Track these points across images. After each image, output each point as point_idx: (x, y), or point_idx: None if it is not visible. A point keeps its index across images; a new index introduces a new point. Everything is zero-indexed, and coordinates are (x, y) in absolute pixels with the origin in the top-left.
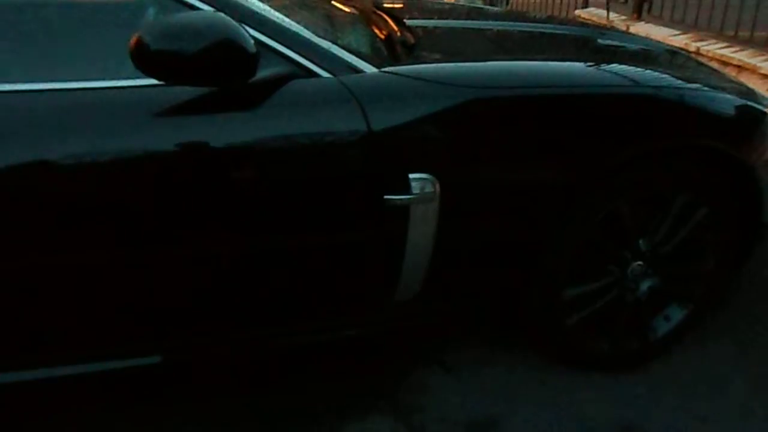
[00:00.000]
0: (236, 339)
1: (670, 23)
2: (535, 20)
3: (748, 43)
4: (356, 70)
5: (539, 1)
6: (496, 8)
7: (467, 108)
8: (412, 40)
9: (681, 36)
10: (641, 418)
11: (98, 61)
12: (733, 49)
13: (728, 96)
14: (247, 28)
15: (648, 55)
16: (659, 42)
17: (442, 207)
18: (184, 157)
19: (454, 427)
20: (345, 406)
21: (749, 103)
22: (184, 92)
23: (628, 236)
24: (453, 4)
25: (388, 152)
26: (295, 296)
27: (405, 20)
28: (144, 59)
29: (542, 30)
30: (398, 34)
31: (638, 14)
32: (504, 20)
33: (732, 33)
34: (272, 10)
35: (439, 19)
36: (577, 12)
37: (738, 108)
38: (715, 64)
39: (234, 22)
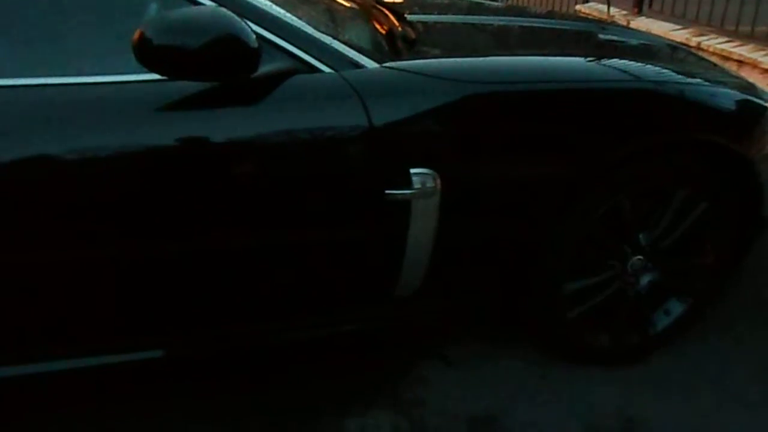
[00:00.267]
0: (237, 333)
1: (671, 18)
2: (535, 15)
3: (749, 37)
4: (357, 66)
5: None
6: (496, 3)
7: (468, 103)
8: (412, 35)
9: (682, 31)
10: (643, 412)
11: (101, 56)
12: (733, 44)
13: (729, 91)
14: (249, 23)
15: (649, 49)
16: (660, 37)
17: (443, 202)
18: (186, 151)
19: (454, 420)
20: (346, 401)
21: (750, 97)
22: (187, 87)
23: (628, 231)
24: None
25: (389, 147)
26: (296, 291)
27: (406, 15)
28: (147, 54)
29: (543, 25)
30: (399, 29)
31: (639, 9)
32: (505, 15)
33: (733, 28)
34: (274, 6)
35: (439, 14)
36: (578, 7)
37: (738, 103)
38: (715, 59)
39: (236, 18)
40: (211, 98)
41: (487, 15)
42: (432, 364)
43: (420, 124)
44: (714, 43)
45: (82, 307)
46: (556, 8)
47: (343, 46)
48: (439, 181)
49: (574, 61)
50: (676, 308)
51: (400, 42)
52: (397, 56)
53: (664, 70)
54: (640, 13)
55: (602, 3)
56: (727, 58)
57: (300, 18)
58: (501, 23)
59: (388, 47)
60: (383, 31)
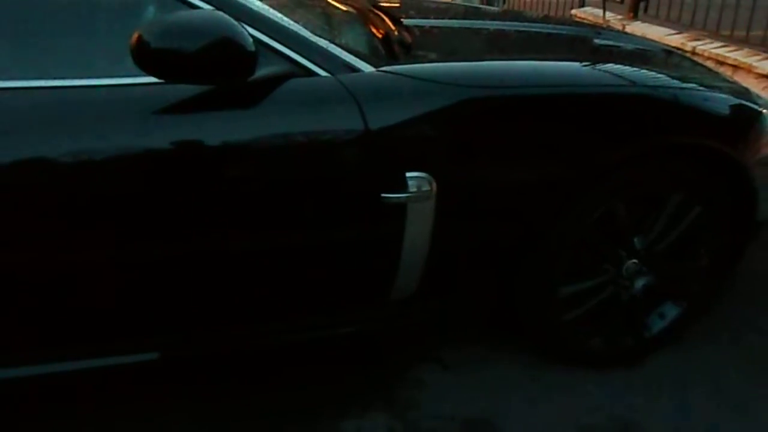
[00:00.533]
0: (234, 335)
1: (666, 23)
2: (531, 20)
3: (743, 42)
4: (354, 69)
5: (536, 0)
6: (492, 8)
7: (464, 107)
8: (409, 40)
9: (677, 35)
10: (639, 416)
11: (99, 59)
12: (728, 49)
13: (723, 95)
14: (246, 26)
15: (644, 54)
16: (655, 41)
17: (438, 205)
18: (183, 154)
19: (449, 423)
20: (343, 403)
21: (744, 102)
22: (184, 90)
23: (623, 234)
24: (450, 3)
25: (386, 151)
26: (293, 294)
27: (402, 19)
28: (144, 57)
29: (539, 30)
30: (395, 33)
31: (634, 14)
32: (501, 20)
33: (728, 32)
34: (271, 9)
35: (436, 18)
36: (574, 11)
37: (733, 107)
38: (710, 64)
39: (233, 21)
40: (209, 101)
41: (483, 19)
42: (428, 367)
43: (416, 127)
44: (709, 48)
45: (78, 309)
46: (552, 13)
47: (339, 49)
48: (434, 185)
49: (569, 65)
50: (671, 311)
51: (396, 46)
52: (394, 60)
53: (659, 75)
54: (635, 17)
55: (598, 8)
56: (722, 63)
57: (297, 22)
58: (497, 28)
59: (385, 51)
60: (380, 35)
